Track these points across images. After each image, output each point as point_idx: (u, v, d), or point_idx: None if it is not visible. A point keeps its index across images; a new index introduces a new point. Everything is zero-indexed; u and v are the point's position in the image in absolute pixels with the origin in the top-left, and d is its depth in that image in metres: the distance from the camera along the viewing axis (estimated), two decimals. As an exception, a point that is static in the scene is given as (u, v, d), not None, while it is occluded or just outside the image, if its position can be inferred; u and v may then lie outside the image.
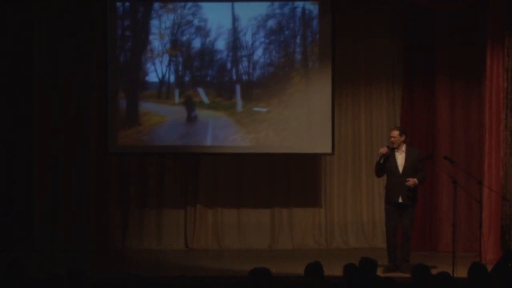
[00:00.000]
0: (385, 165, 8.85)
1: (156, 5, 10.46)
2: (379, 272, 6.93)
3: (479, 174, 9.81)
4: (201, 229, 10.81)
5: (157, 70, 10.45)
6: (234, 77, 10.51)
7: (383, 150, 8.86)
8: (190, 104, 10.44)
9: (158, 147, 10.49)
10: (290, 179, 10.86)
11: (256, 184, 10.85)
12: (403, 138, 8.88)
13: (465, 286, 5.75)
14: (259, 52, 10.46)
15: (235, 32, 10.46)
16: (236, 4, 10.45)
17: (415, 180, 8.72)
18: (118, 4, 10.43)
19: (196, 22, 10.43)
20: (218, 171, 10.84)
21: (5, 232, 10.39)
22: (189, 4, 10.43)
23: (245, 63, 10.48)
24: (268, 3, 10.43)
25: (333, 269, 7.95)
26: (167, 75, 10.49)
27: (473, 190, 9.50)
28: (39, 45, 10.53)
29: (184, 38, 10.45)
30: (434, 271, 5.73)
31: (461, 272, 7.57)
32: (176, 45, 10.46)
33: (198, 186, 10.81)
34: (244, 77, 10.49)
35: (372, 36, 10.79)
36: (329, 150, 10.46)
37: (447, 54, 10.54)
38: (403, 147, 8.87)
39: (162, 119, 10.46)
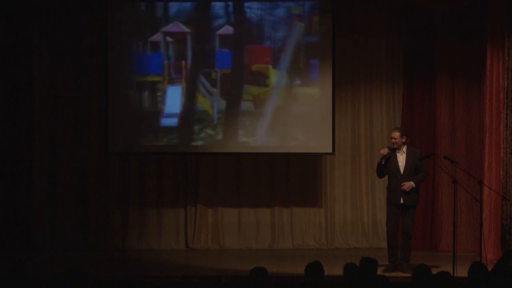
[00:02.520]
0: (386, 166, 8.83)
1: (157, 4, 10.45)
2: (379, 272, 6.92)
3: (479, 174, 9.82)
4: (201, 229, 10.81)
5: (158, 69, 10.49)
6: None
7: (384, 151, 8.83)
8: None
9: (158, 147, 10.49)
10: (290, 179, 10.86)
11: (256, 184, 10.85)
12: (404, 139, 8.86)
13: (465, 285, 5.75)
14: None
15: (234, 31, 10.47)
16: (236, 4, 10.46)
17: (411, 183, 8.69)
18: (119, 4, 10.42)
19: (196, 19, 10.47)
20: (218, 171, 10.84)
21: (5, 232, 10.40)
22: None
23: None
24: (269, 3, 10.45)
25: (333, 269, 7.95)
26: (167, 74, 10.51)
27: (473, 190, 9.50)
28: (40, 45, 10.54)
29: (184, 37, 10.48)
30: (434, 271, 5.73)
31: (462, 272, 7.57)
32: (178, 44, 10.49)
33: (198, 186, 10.81)
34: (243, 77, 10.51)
35: (372, 36, 10.80)
36: (329, 150, 10.45)
37: (447, 54, 10.54)
38: (404, 148, 8.85)
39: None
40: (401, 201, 8.71)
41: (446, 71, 10.57)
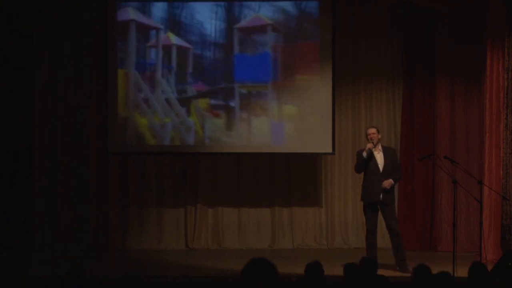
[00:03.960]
0: (368, 162, 8.85)
1: (158, 5, 10.46)
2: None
3: (479, 174, 9.81)
4: (201, 229, 10.81)
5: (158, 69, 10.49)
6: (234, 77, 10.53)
7: (370, 145, 8.83)
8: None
9: (158, 147, 10.49)
10: (290, 179, 10.86)
11: (256, 184, 10.85)
12: (380, 136, 8.94)
13: (465, 286, 5.74)
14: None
15: (234, 31, 10.47)
16: (235, 4, 10.46)
17: (391, 181, 8.73)
18: (119, 5, 10.42)
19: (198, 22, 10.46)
20: (218, 171, 10.84)
21: (5, 232, 10.40)
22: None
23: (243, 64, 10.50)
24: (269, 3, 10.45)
25: (333, 269, 7.95)
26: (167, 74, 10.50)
27: (473, 190, 9.50)
28: (40, 45, 10.54)
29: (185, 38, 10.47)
30: (434, 271, 5.73)
31: (462, 272, 7.57)
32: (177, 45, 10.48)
33: (198, 186, 10.81)
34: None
35: (372, 36, 10.81)
36: (329, 150, 10.46)
37: (447, 54, 10.55)
38: (379, 146, 8.89)
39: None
40: (381, 197, 8.74)
41: (446, 71, 10.57)
